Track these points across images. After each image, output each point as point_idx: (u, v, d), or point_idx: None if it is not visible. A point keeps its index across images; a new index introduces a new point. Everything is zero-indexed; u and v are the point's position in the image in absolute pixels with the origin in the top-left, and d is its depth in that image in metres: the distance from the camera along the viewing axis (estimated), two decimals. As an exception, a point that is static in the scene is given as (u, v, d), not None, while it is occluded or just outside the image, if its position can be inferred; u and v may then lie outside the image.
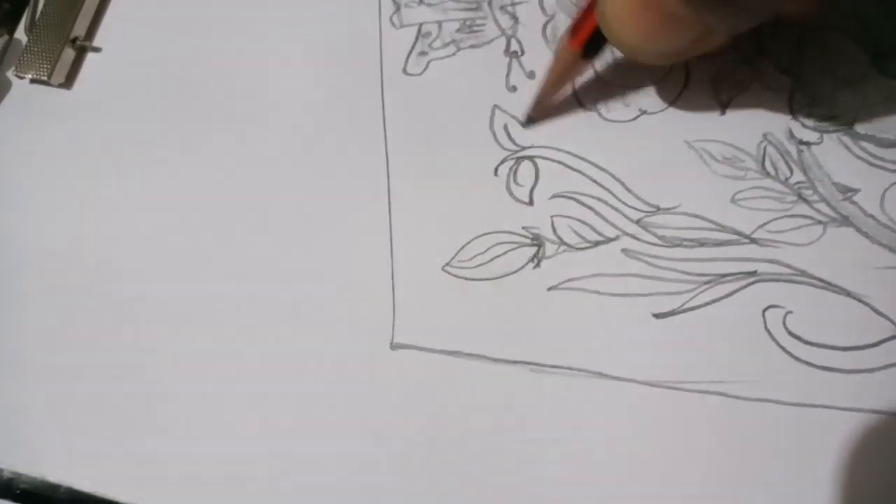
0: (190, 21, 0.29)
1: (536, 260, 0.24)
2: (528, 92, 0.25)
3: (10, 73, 0.29)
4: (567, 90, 0.25)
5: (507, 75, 0.26)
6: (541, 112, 0.25)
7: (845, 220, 0.23)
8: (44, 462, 0.24)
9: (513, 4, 0.27)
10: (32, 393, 0.25)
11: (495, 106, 0.26)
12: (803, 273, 0.23)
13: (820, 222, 0.23)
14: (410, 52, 0.27)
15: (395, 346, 0.24)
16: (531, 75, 0.26)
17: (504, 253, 0.24)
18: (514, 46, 0.27)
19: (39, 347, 0.25)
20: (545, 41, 0.26)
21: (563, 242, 0.24)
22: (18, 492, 0.24)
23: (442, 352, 0.23)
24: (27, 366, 0.25)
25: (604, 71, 0.26)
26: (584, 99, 0.26)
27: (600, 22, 0.21)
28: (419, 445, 0.23)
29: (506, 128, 0.26)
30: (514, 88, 0.26)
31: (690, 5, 0.19)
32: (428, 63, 0.27)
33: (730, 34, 0.21)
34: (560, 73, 0.24)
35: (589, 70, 0.25)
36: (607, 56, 0.25)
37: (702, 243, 0.23)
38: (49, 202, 0.27)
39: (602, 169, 0.25)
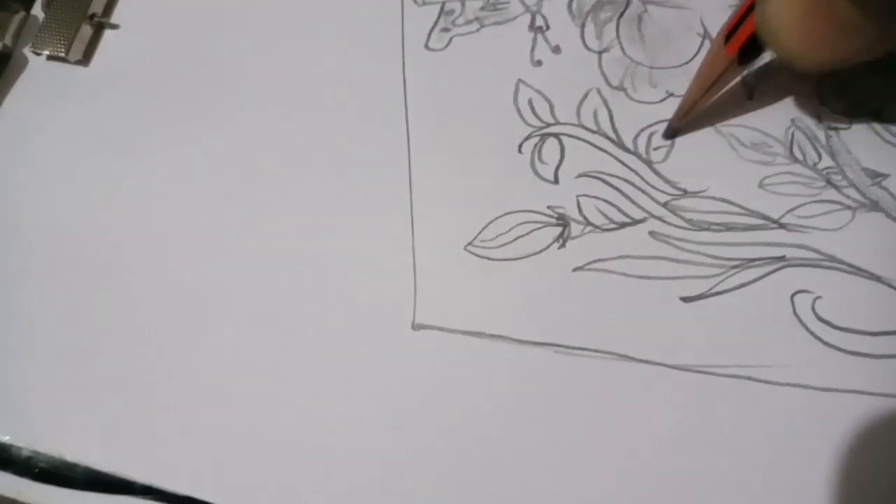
0: (208, -3, 0.29)
1: (562, 240, 0.24)
2: (554, 67, 0.25)
3: (26, 50, 0.29)
4: (716, 97, 0.24)
5: (532, 50, 0.26)
6: (687, 121, 0.24)
7: (874, 206, 0.23)
8: (62, 441, 0.24)
9: (538, -18, 0.27)
10: (51, 373, 0.24)
11: (520, 80, 0.26)
12: (832, 258, 0.22)
13: (849, 207, 0.23)
14: (433, 28, 0.27)
15: (416, 327, 0.23)
16: (556, 50, 0.26)
17: (528, 233, 0.24)
18: (539, 22, 0.26)
19: (57, 326, 0.25)
20: (570, 16, 0.26)
21: (588, 223, 0.24)
22: (37, 470, 0.24)
23: (464, 332, 0.23)
24: (45, 345, 0.25)
25: (630, 50, 0.25)
26: (611, 77, 0.25)
27: (760, 27, 0.20)
28: (440, 426, 0.22)
29: (530, 103, 0.25)
30: (538, 63, 0.26)
31: (870, 12, 0.18)
32: (451, 39, 0.27)
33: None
34: (711, 81, 0.23)
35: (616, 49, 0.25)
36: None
37: (729, 227, 0.23)
38: (65, 178, 0.27)
39: (629, 150, 0.24)
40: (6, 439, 0.24)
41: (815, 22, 0.19)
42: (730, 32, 0.22)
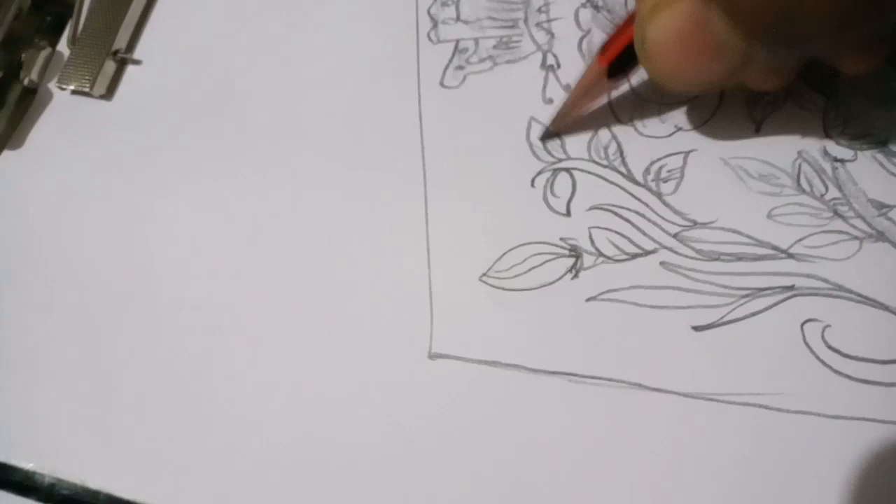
0: (229, 35, 0.30)
1: (574, 271, 0.24)
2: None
3: (51, 85, 0.29)
4: (590, 106, 0.26)
5: (544, 88, 0.27)
6: (561, 127, 0.26)
7: (881, 236, 0.23)
8: (84, 469, 0.24)
9: (548, 21, 0.28)
10: (74, 401, 0.25)
11: (532, 118, 0.26)
12: (840, 287, 0.23)
13: (856, 238, 0.23)
14: (447, 66, 0.28)
15: (432, 356, 0.24)
16: (567, 88, 0.26)
17: (542, 263, 0.24)
18: (550, 60, 0.27)
19: (82, 355, 0.25)
20: (581, 55, 0.27)
21: (601, 254, 0.24)
22: (59, 498, 0.24)
23: (479, 362, 0.24)
24: (69, 374, 0.25)
25: (639, 86, 0.26)
26: (619, 113, 0.26)
27: (636, 45, 0.21)
28: (456, 455, 0.23)
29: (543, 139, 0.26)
30: (550, 101, 0.26)
31: (737, 31, 0.19)
32: (465, 77, 0.27)
33: (762, 71, 0.21)
34: (584, 90, 0.25)
35: (625, 85, 0.26)
36: (643, 72, 0.26)
37: (739, 257, 0.24)
38: (89, 210, 0.27)
39: (639, 183, 0.25)
40: (30, 466, 0.24)
41: (689, 42, 0.20)
42: (607, 46, 0.23)
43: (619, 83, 0.25)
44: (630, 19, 0.22)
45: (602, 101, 0.26)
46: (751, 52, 0.20)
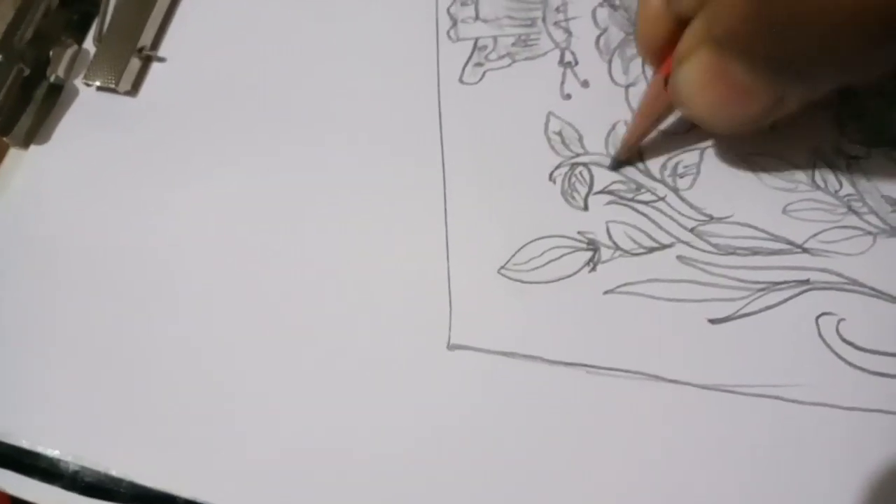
0: (251, 33, 0.30)
1: (592, 264, 0.25)
2: (582, 100, 0.26)
3: (77, 81, 0.30)
4: (656, 126, 0.25)
5: (562, 84, 0.27)
6: (628, 157, 0.26)
7: (894, 232, 0.24)
8: (108, 456, 0.24)
9: (566, 20, 0.28)
10: (98, 389, 0.25)
11: (550, 113, 0.27)
12: (855, 282, 0.23)
13: (870, 233, 0.24)
14: (467, 63, 0.28)
15: (451, 347, 0.24)
16: (585, 84, 0.27)
17: (560, 257, 0.25)
18: (568, 57, 0.28)
19: (104, 346, 0.26)
20: (598, 52, 0.27)
21: (618, 248, 0.25)
22: (84, 485, 0.24)
23: (498, 353, 0.24)
24: (92, 363, 0.26)
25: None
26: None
27: (672, 95, 0.21)
28: (475, 446, 0.23)
29: (560, 134, 0.26)
30: (568, 96, 0.27)
31: (761, 75, 0.19)
32: (484, 73, 0.28)
33: (801, 102, 0.21)
34: (653, 119, 0.24)
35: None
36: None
37: (755, 252, 0.24)
38: (114, 204, 0.28)
39: (656, 178, 0.25)
40: (56, 453, 0.25)
41: (718, 86, 0.20)
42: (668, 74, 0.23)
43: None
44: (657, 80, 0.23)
45: (665, 120, 0.25)
46: (781, 91, 0.20)
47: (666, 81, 0.22)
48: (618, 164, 0.26)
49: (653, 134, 0.25)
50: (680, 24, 0.21)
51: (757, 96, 0.20)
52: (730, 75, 0.20)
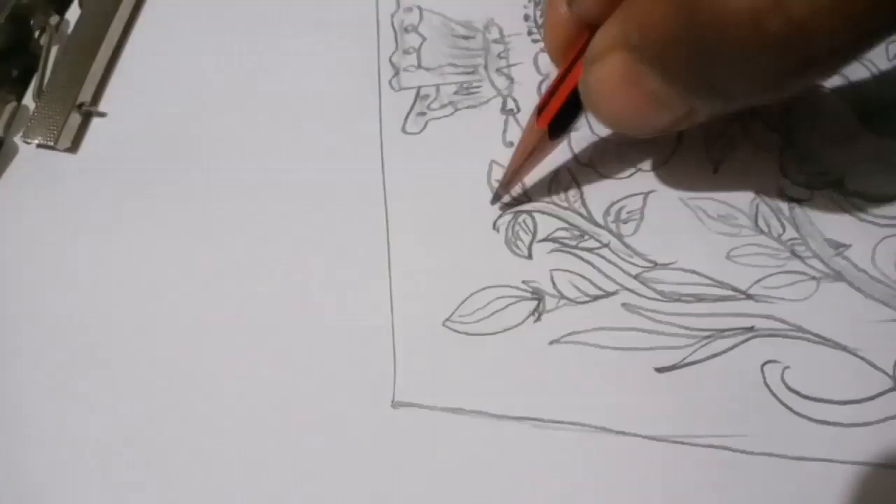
0: (192, 87, 0.30)
1: (537, 314, 0.24)
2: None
3: (17, 139, 0.30)
4: (536, 167, 0.25)
5: (504, 132, 0.27)
6: (509, 190, 0.26)
7: (838, 276, 0.23)
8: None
9: (508, 66, 0.28)
10: (43, 451, 0.25)
11: (493, 161, 0.27)
12: (799, 328, 0.23)
13: (813, 278, 0.23)
14: (409, 112, 0.28)
15: (396, 405, 0.24)
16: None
17: (505, 307, 0.24)
18: (511, 105, 0.27)
19: (47, 408, 0.25)
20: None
21: (563, 296, 0.24)
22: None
23: (444, 409, 0.23)
24: (36, 427, 0.25)
25: (598, 127, 0.26)
26: (579, 154, 0.26)
27: (582, 94, 0.21)
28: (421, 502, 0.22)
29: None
30: (510, 144, 0.27)
31: (675, 87, 0.19)
32: (426, 123, 0.28)
33: (712, 115, 0.21)
34: (528, 153, 0.24)
35: (584, 127, 0.26)
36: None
37: (700, 299, 0.24)
38: (54, 262, 0.27)
39: (599, 225, 0.25)
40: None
41: (631, 91, 0.20)
42: (541, 107, 0.23)
43: (561, 141, 0.25)
44: (559, 79, 0.23)
45: (550, 160, 0.25)
46: (693, 103, 0.20)
47: (539, 115, 0.23)
48: (497, 197, 0.26)
49: (594, 178, 0.25)
50: (585, 28, 0.21)
51: (668, 106, 0.20)
52: (642, 83, 0.19)
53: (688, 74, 0.19)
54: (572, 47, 0.22)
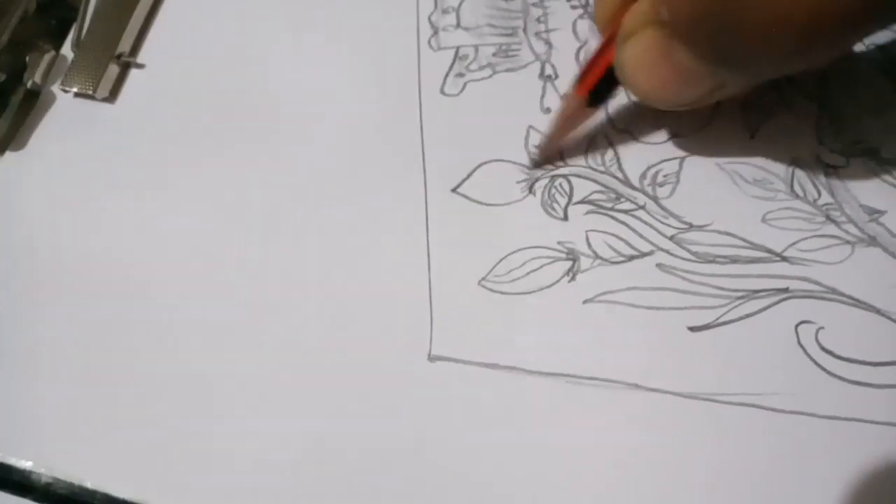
0: (231, 41, 0.30)
1: (572, 274, 0.24)
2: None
3: (55, 87, 0.30)
4: (574, 134, 0.26)
5: (542, 98, 0.27)
6: (546, 158, 0.26)
7: (872, 241, 0.24)
8: (82, 468, 0.24)
9: (547, 31, 0.28)
10: (73, 400, 0.25)
11: (530, 127, 0.27)
12: (833, 290, 0.23)
13: (848, 242, 0.24)
14: (448, 73, 0.28)
15: (432, 358, 0.24)
16: (565, 98, 0.27)
17: (539, 267, 0.25)
18: (549, 71, 0.28)
19: (80, 356, 0.25)
20: (578, 65, 0.27)
21: (598, 256, 0.25)
22: (56, 497, 0.24)
23: (479, 364, 0.24)
24: (67, 373, 0.25)
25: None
26: (616, 121, 0.26)
27: (617, 69, 0.22)
28: (457, 457, 0.23)
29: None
30: (548, 110, 0.27)
31: (703, 61, 0.20)
32: (465, 84, 0.28)
33: (744, 87, 0.21)
34: (566, 120, 0.25)
35: (621, 95, 0.26)
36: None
37: (734, 260, 0.24)
38: (90, 211, 0.28)
39: (635, 188, 0.25)
40: (28, 465, 0.24)
41: (663, 65, 0.21)
42: (582, 76, 0.24)
43: (599, 110, 0.25)
44: (602, 48, 0.23)
45: (586, 126, 0.26)
46: (723, 77, 0.20)
47: (580, 83, 0.24)
48: (536, 164, 0.26)
49: (630, 143, 0.26)
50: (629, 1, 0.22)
51: (698, 80, 0.21)
52: (672, 58, 0.20)
53: (714, 49, 0.19)
54: (619, 17, 0.23)
